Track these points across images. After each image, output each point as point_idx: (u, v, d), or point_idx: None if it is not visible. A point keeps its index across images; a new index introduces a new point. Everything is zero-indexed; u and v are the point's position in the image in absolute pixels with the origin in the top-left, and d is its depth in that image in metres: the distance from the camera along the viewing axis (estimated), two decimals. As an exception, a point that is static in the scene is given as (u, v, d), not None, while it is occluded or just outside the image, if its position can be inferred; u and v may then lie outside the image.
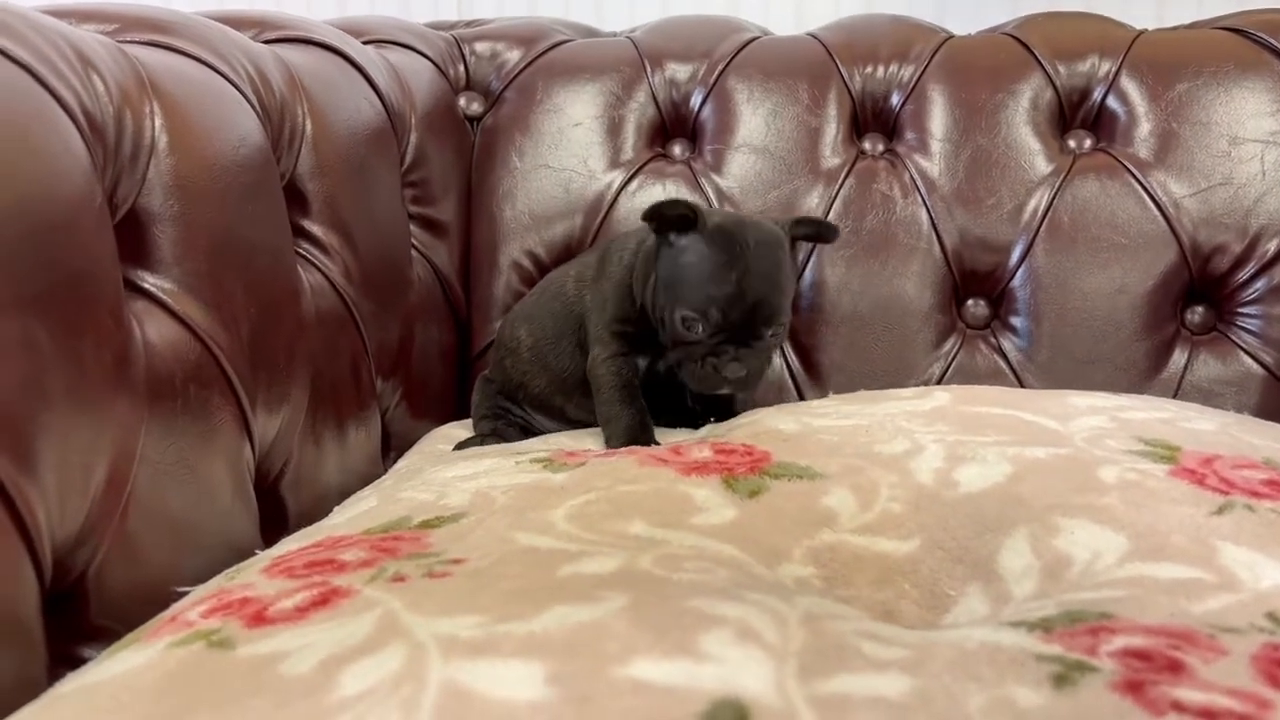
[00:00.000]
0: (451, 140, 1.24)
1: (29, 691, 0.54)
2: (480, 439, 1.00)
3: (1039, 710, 0.40)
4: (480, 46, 1.34)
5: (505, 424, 1.02)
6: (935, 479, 0.69)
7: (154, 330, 0.65)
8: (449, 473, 0.78)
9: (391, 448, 1.06)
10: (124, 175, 0.64)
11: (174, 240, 0.68)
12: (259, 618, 0.52)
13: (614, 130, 1.27)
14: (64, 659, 0.59)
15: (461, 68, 1.32)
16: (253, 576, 0.60)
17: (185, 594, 0.64)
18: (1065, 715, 0.40)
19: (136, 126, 0.65)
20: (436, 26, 1.39)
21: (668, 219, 0.88)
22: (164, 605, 0.62)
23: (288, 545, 0.66)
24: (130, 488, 0.61)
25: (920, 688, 0.42)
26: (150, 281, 0.67)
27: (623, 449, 0.82)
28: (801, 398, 1.18)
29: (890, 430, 0.78)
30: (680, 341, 0.89)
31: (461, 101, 1.31)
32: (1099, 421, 0.79)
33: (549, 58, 1.32)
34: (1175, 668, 0.44)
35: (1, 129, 0.53)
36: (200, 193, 0.70)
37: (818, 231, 0.96)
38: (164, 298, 0.67)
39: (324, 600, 0.53)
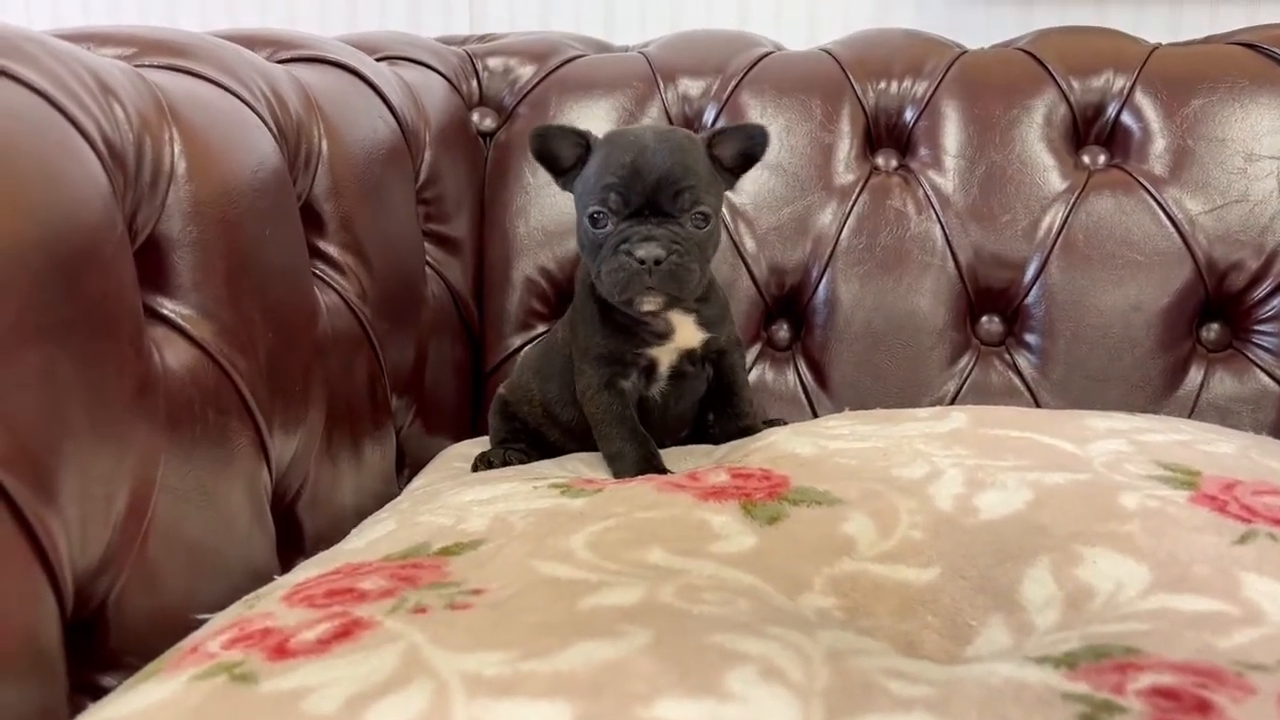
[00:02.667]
0: (465, 156, 1.24)
1: (50, 722, 0.54)
2: (490, 461, 1.00)
3: (1068, 754, 0.40)
4: (493, 62, 1.34)
5: (520, 450, 1.02)
6: (955, 505, 0.68)
7: (173, 357, 0.65)
8: (466, 496, 0.78)
9: (406, 465, 1.06)
10: (143, 202, 0.65)
11: (193, 266, 0.68)
12: (280, 650, 0.52)
13: (627, 146, 1.27)
14: (83, 688, 0.59)
15: (474, 83, 1.32)
16: (273, 605, 0.60)
17: (204, 621, 0.64)
18: (1093, 759, 0.40)
19: (156, 153, 0.65)
20: (448, 41, 1.39)
21: (559, 155, 0.88)
22: (183, 633, 0.62)
23: (307, 571, 0.66)
24: (150, 515, 0.61)
25: (948, 729, 0.41)
26: (169, 308, 0.67)
27: (638, 477, 0.82)
28: (814, 413, 1.18)
29: (908, 453, 0.78)
30: (596, 246, 0.85)
31: (474, 117, 1.31)
32: (1117, 445, 0.78)
33: (562, 73, 1.32)
34: (1204, 708, 0.44)
35: (23, 159, 0.53)
36: (219, 218, 0.70)
37: (744, 141, 0.90)
38: (182, 324, 0.67)
39: (345, 632, 0.53)
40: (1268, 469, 0.75)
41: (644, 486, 0.75)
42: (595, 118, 1.29)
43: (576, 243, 0.91)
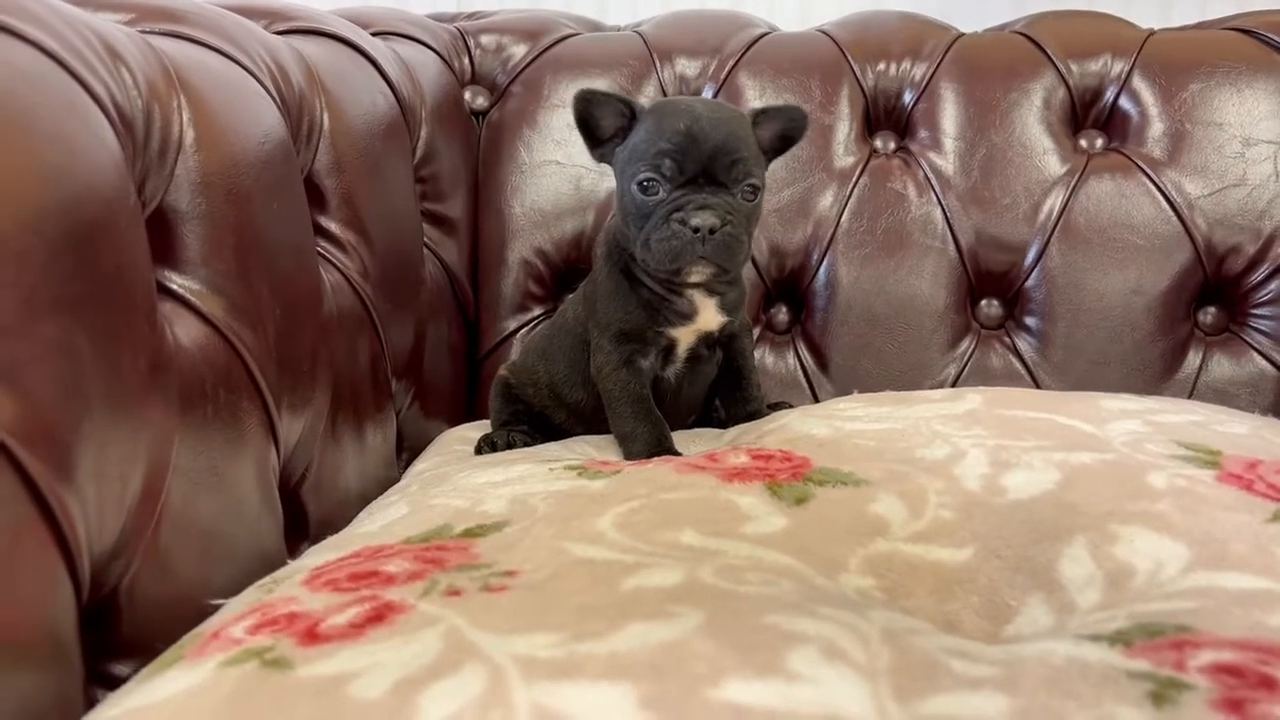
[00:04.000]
0: (459, 135, 1.22)
1: (67, 713, 0.52)
2: (494, 443, 0.98)
3: (1145, 731, 0.39)
4: (485, 39, 1.31)
5: (524, 433, 1.00)
6: (983, 485, 0.68)
7: (183, 333, 0.63)
8: (480, 479, 0.76)
9: (404, 449, 1.04)
10: (151, 172, 0.62)
11: (201, 239, 0.65)
12: (311, 635, 0.50)
13: (623, 126, 1.25)
14: (95, 676, 0.57)
15: (466, 60, 1.30)
16: (294, 589, 0.58)
17: (218, 607, 0.62)
18: (1169, 736, 0.39)
19: (165, 121, 0.63)
20: (437, 18, 1.36)
21: (601, 122, 0.87)
22: (196, 619, 0.60)
23: (323, 555, 0.64)
24: (164, 498, 0.59)
25: (1021, 707, 0.40)
26: (177, 282, 0.64)
27: (655, 458, 0.81)
28: (815, 396, 1.17)
29: (926, 434, 0.77)
30: (645, 214, 0.83)
31: (467, 95, 1.28)
32: (1134, 426, 0.78)
33: (555, 52, 1.30)
34: (1269, 684, 0.43)
35: (36, 121, 0.51)
36: (227, 190, 0.68)
37: (785, 122, 0.89)
38: (192, 299, 0.64)
39: (379, 616, 0.51)
40: (1283, 448, 0.75)
41: (663, 468, 0.73)
42: (590, 97, 1.26)
43: (618, 212, 0.88)
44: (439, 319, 1.12)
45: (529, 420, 1.02)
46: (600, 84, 1.27)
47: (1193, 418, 0.82)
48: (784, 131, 0.90)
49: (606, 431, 0.95)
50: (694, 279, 0.86)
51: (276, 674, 0.46)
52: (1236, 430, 0.79)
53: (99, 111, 0.55)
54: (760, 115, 0.88)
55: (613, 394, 0.90)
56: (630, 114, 0.86)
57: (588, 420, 0.97)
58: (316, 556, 0.64)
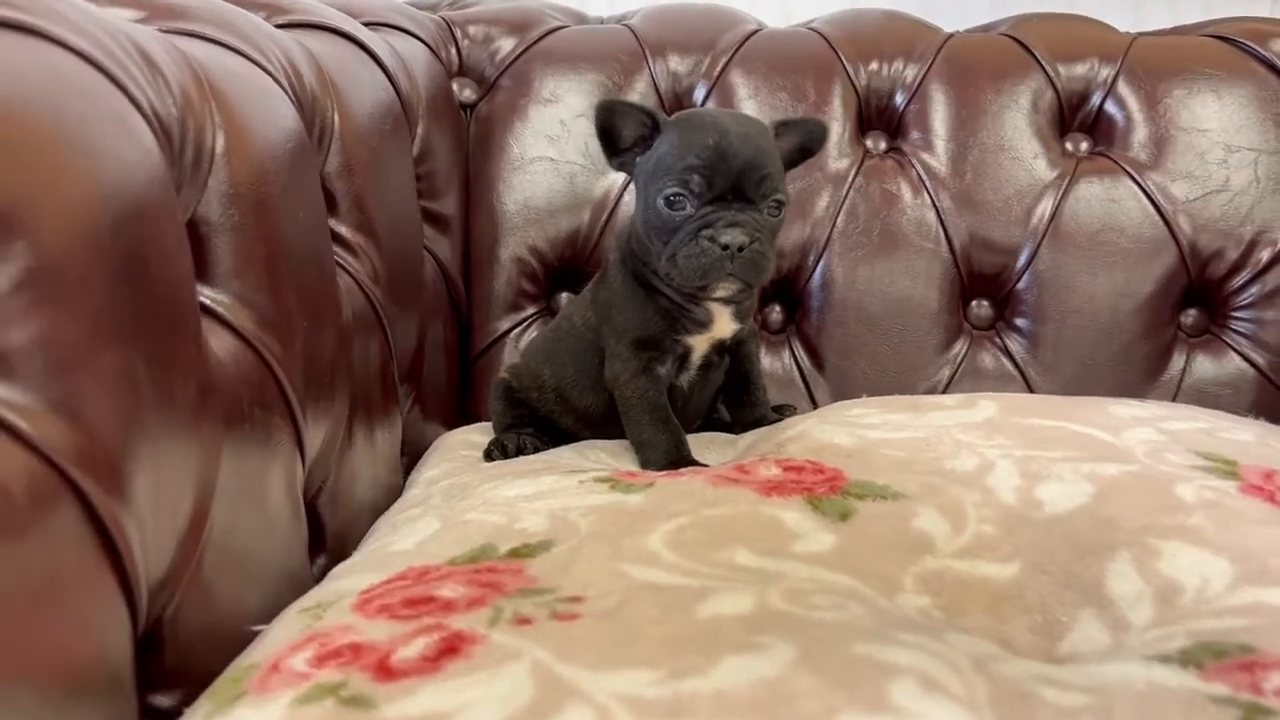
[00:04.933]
0: (451, 129, 1.19)
1: (121, 750, 0.50)
2: (505, 447, 0.96)
3: (1248, 762, 0.40)
4: (473, 30, 1.29)
5: (530, 436, 0.99)
6: (1018, 498, 0.68)
7: (220, 350, 0.61)
8: (509, 491, 0.75)
9: (405, 453, 1.02)
10: (185, 183, 0.60)
11: (233, 252, 0.63)
12: (384, 670, 0.49)
13: (615, 122, 1.24)
14: (140, 709, 0.55)
15: (454, 51, 1.27)
16: (346, 616, 0.56)
17: (257, 633, 0.60)
18: (1270, 765, 0.40)
19: (198, 131, 0.60)
20: (419, 6, 1.33)
21: (621, 133, 0.85)
22: (238, 647, 0.59)
23: (363, 576, 0.63)
24: (209, 523, 0.57)
25: (1126, 740, 0.41)
26: (209, 296, 0.62)
27: (680, 470, 0.80)
28: (811, 396, 1.18)
29: (951, 444, 0.78)
30: (671, 229, 0.82)
31: (454, 88, 1.26)
32: (1149, 434, 0.80)
33: (545, 45, 1.28)
34: (1345, 707, 0.45)
35: (93, 138, 0.48)
36: (256, 200, 0.65)
37: (804, 135, 0.90)
38: (225, 314, 0.62)
39: (452, 649, 0.50)
40: (1291, 457, 0.77)
41: (695, 481, 0.73)
42: (580, 91, 1.25)
43: (640, 223, 0.87)
44: (435, 319, 1.11)
45: (534, 423, 1.01)
46: (591, 79, 1.25)
47: (1199, 425, 0.84)
48: (803, 144, 0.90)
49: (616, 436, 0.94)
50: (720, 294, 0.86)
51: (360, 713, 0.45)
52: (1244, 438, 0.81)
53: (144, 123, 0.53)
54: (781, 127, 0.88)
55: (630, 401, 0.89)
56: (652, 124, 0.85)
57: (596, 425, 0.96)
58: (356, 578, 0.63)
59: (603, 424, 0.95)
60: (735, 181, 0.81)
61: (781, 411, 1.02)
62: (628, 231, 0.93)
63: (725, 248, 0.80)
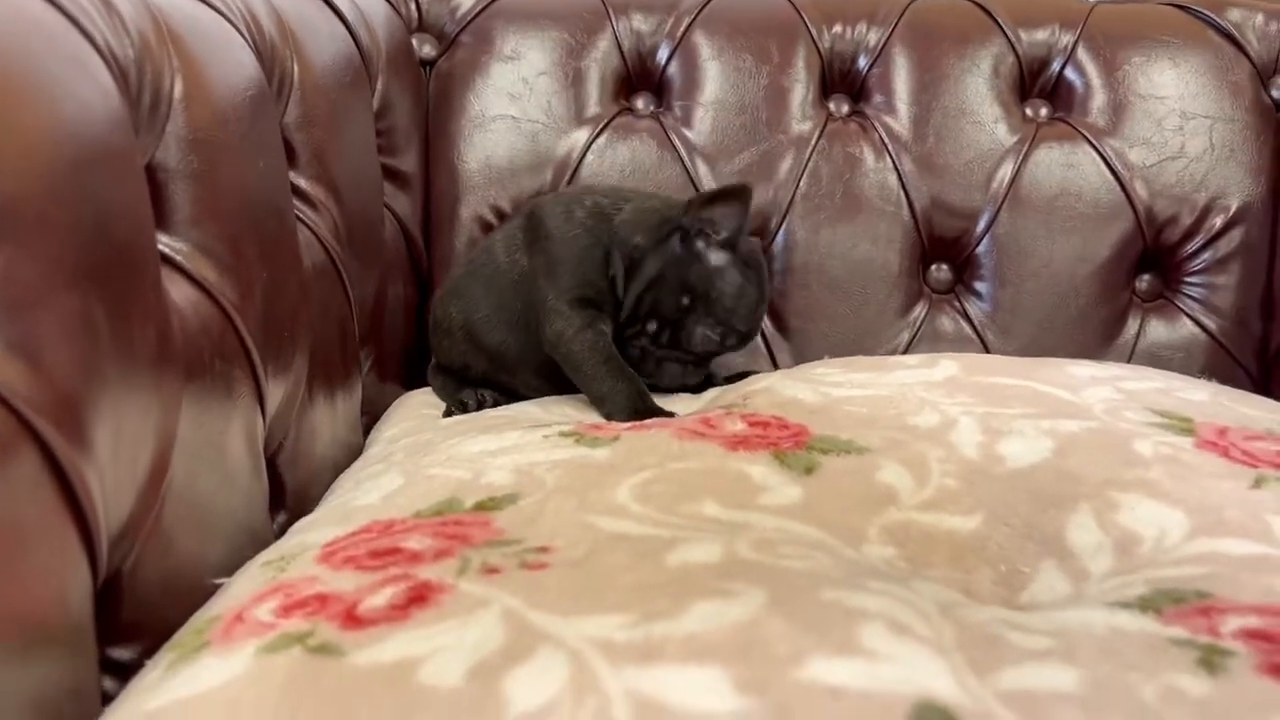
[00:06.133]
0: (410, 86, 1.17)
1: (82, 699, 0.49)
2: (464, 404, 0.96)
3: (1208, 699, 0.41)
4: (432, -16, 1.27)
5: (489, 391, 0.98)
6: (981, 453, 0.69)
7: (179, 300, 0.59)
8: (473, 447, 0.74)
9: (364, 413, 1.01)
10: (143, 128, 0.58)
11: (192, 199, 0.61)
12: (352, 618, 0.48)
13: (577, 81, 1.23)
14: (99, 662, 0.54)
15: (414, 6, 1.25)
16: (311, 568, 0.56)
17: (218, 586, 0.59)
18: (1230, 703, 0.41)
19: (156, 74, 0.58)
20: (378, -40, 1.30)
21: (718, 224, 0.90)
22: (198, 599, 0.58)
23: (326, 530, 0.62)
24: (169, 475, 0.56)
25: (1091, 679, 0.42)
26: (167, 244, 0.60)
27: (646, 422, 0.80)
28: (772, 358, 1.18)
29: (914, 401, 0.79)
30: (681, 346, 0.94)
31: (414, 43, 1.24)
32: (1107, 392, 0.81)
33: (506, 1, 1.26)
34: (1301, 648, 0.46)
35: (49, 77, 0.46)
36: (216, 147, 0.64)
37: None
38: (183, 262, 0.61)
39: (420, 597, 0.50)
40: (1243, 415, 0.79)
41: (662, 434, 0.73)
42: (542, 49, 1.24)
43: (657, 288, 0.93)
44: (395, 278, 1.09)
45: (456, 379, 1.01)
46: (553, 36, 1.24)
47: (1155, 384, 0.85)
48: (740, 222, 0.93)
49: (534, 380, 0.95)
50: None
51: (330, 661, 0.44)
52: (1198, 397, 0.83)
53: (102, 63, 0.51)
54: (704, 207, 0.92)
55: (581, 355, 0.89)
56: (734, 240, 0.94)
57: (510, 367, 0.96)
58: (319, 531, 0.62)
59: (516, 364, 0.95)
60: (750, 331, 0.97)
61: (743, 378, 1.02)
62: (594, 219, 0.93)
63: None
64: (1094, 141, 1.19)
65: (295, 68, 0.82)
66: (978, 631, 0.46)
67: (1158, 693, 0.41)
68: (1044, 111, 1.24)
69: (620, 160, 1.20)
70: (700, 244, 0.90)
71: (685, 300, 0.91)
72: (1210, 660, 0.44)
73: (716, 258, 0.91)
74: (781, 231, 1.18)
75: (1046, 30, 1.24)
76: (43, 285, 0.44)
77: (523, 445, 0.74)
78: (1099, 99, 1.21)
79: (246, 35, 0.73)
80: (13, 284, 0.41)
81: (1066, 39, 1.23)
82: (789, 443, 0.71)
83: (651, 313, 0.91)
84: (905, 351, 1.18)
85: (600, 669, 0.41)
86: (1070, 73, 1.23)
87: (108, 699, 0.50)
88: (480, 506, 0.62)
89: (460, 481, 0.67)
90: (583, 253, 0.91)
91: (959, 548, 0.61)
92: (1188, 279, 1.19)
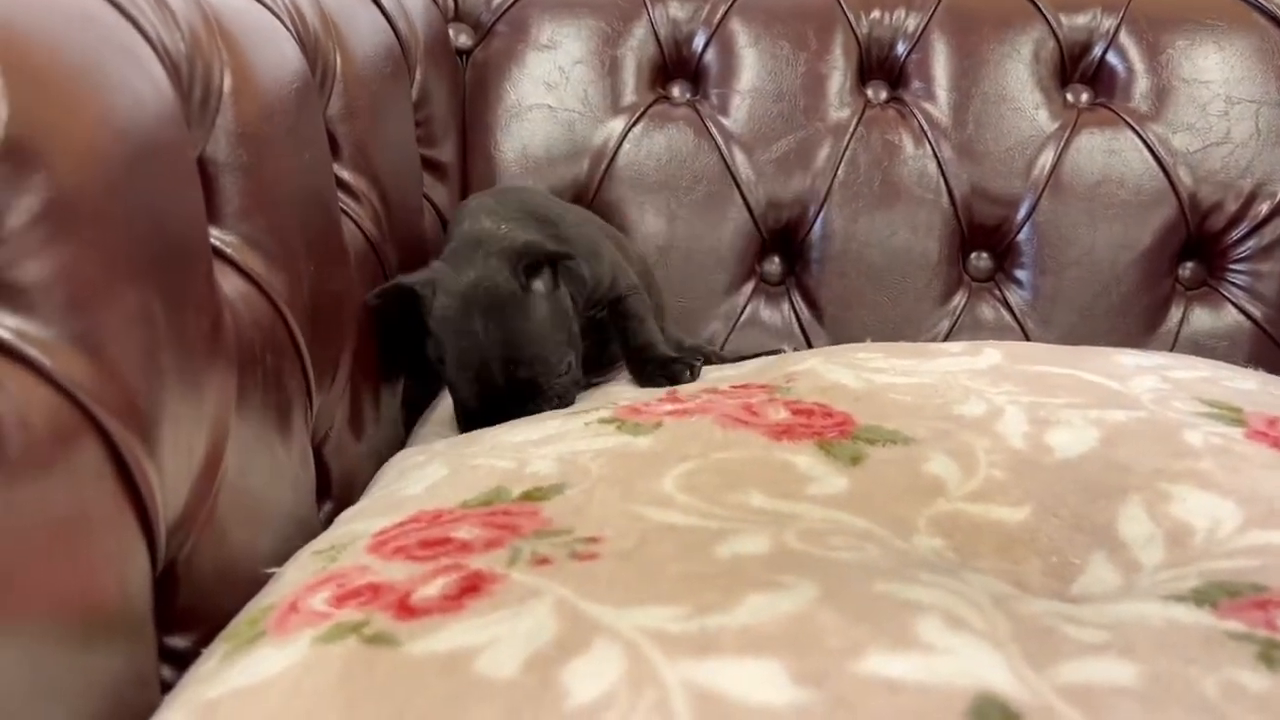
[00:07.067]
0: (448, 75, 1.18)
1: (142, 690, 0.50)
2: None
3: (1269, 694, 0.41)
4: (467, -28, 1.27)
5: None
6: (1028, 444, 0.69)
7: (231, 293, 0.60)
8: (515, 437, 0.75)
9: (404, 402, 1.02)
10: (194, 122, 0.58)
11: (242, 192, 0.62)
12: (406, 608, 0.49)
13: (614, 69, 1.23)
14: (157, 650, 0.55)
15: (449, -5, 1.25)
16: (361, 558, 0.56)
17: (269, 576, 0.60)
18: (1291, 698, 0.41)
19: (206, 67, 0.59)
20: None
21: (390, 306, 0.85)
22: (250, 589, 0.59)
23: (374, 520, 0.62)
24: (223, 466, 0.56)
25: (1151, 674, 0.42)
26: (217, 237, 0.61)
27: (687, 405, 0.80)
28: (810, 348, 1.18)
29: (959, 390, 0.78)
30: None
31: (450, 33, 1.24)
32: (1153, 382, 0.80)
33: (540, -11, 1.26)
34: (1360, 643, 0.45)
35: (105, 71, 0.47)
36: (264, 140, 0.64)
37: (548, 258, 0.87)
38: (234, 255, 0.61)
39: (473, 587, 0.50)
40: (1293, 404, 0.78)
41: (704, 421, 0.73)
42: (578, 37, 1.24)
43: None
44: (434, 267, 1.10)
45: None
46: (589, 25, 1.24)
47: (1202, 373, 0.84)
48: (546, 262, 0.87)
49: None
50: None
51: (386, 651, 0.45)
52: (1246, 386, 0.82)
53: (155, 57, 0.52)
54: (523, 257, 0.86)
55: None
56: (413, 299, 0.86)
57: None
58: (367, 521, 0.63)
59: None
60: (509, 392, 0.83)
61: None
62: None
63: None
64: (1137, 127, 1.17)
65: (338, 59, 0.82)
66: (1032, 624, 0.46)
67: (1218, 687, 0.41)
68: (1085, 97, 1.22)
69: (656, 149, 1.20)
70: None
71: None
72: (1270, 655, 0.44)
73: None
74: (819, 220, 1.18)
75: (1088, 14, 1.22)
76: (103, 280, 0.44)
77: (565, 434, 0.74)
78: (1142, 84, 1.20)
79: (291, 28, 0.73)
80: (74, 280, 0.42)
81: (1109, 23, 1.21)
82: (834, 432, 0.71)
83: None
84: (945, 341, 1.17)
85: (657, 661, 0.41)
86: (1112, 57, 1.21)
87: (166, 687, 0.51)
88: (527, 496, 0.62)
89: (505, 471, 0.67)
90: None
91: (1008, 539, 0.60)
92: (1232, 266, 1.18)
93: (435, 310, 0.85)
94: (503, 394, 0.83)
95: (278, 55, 0.69)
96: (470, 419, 0.85)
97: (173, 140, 0.52)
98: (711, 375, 0.92)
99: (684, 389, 0.85)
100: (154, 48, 0.52)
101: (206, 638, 0.54)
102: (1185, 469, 0.64)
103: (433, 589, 0.50)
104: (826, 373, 0.83)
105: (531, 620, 0.46)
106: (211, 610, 0.56)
